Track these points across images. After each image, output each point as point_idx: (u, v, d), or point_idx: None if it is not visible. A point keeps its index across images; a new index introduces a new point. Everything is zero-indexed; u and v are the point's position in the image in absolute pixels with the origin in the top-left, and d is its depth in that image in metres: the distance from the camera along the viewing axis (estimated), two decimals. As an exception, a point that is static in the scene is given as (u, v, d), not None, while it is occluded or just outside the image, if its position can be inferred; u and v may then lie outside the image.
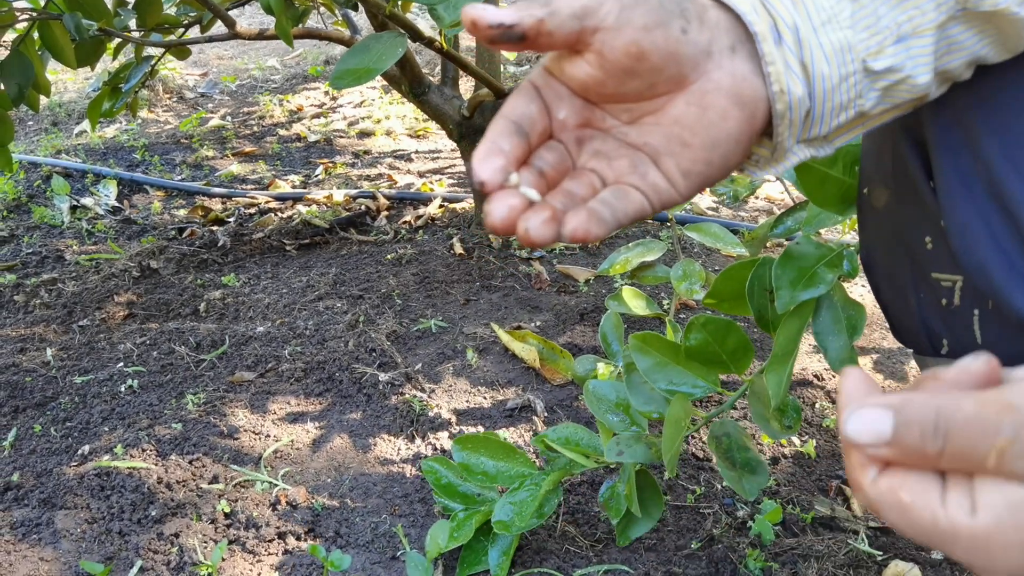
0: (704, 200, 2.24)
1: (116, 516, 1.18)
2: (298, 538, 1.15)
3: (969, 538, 0.35)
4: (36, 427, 1.40)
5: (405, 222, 2.18)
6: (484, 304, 1.75)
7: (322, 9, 2.12)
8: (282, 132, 3.01)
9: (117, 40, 1.86)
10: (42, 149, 2.85)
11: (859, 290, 1.74)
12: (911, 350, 0.64)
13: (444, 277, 1.85)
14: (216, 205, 2.38)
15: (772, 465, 1.25)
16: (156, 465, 1.28)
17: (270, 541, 1.14)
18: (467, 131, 1.97)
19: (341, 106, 3.25)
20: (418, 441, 1.34)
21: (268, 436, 1.36)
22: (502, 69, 2.79)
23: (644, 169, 0.44)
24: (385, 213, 2.25)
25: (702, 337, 0.72)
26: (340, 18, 2.22)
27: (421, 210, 2.25)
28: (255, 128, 3.06)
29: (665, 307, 1.66)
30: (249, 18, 4.64)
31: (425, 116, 2.93)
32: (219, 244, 2.10)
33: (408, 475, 1.27)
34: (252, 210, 2.33)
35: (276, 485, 1.25)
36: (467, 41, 3.32)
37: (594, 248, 1.99)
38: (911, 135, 0.56)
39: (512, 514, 0.95)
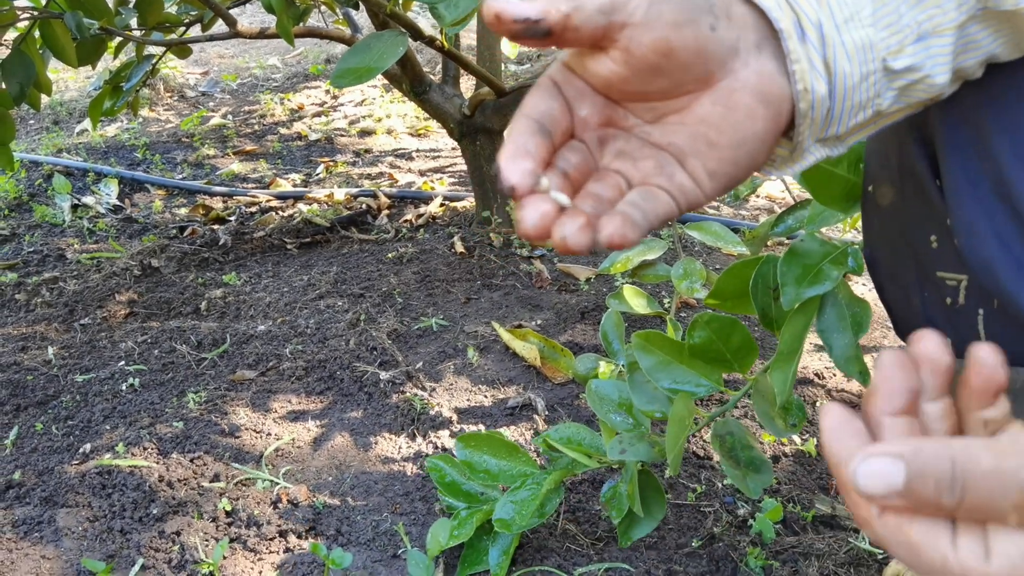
0: (705, 199, 2.24)
1: (117, 514, 1.19)
2: (299, 536, 1.15)
3: None
4: (38, 425, 1.40)
5: (406, 221, 2.18)
6: (485, 303, 1.75)
7: (323, 8, 2.12)
8: (283, 131, 3.01)
9: (118, 39, 1.86)
10: (43, 148, 2.85)
11: (860, 288, 1.74)
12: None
13: (445, 276, 1.86)
14: (217, 204, 2.38)
15: (773, 464, 1.25)
16: (157, 463, 1.28)
17: (271, 539, 1.14)
18: (468, 130, 1.97)
19: (342, 105, 3.25)
20: (419, 440, 1.34)
21: (269, 434, 1.36)
22: (503, 68, 2.79)
23: (671, 170, 0.43)
24: (386, 212, 2.25)
25: (706, 335, 0.72)
26: (341, 17, 2.22)
27: (422, 209, 2.25)
28: (256, 127, 3.06)
29: (666, 306, 1.66)
30: (250, 17, 4.64)
31: (426, 115, 2.93)
32: (220, 243, 2.10)
33: (409, 473, 1.27)
34: (253, 209, 2.33)
35: (277, 483, 1.25)
36: (468, 40, 3.32)
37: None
38: (917, 133, 0.56)
39: (513, 513, 0.95)
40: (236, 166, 2.66)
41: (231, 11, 1.77)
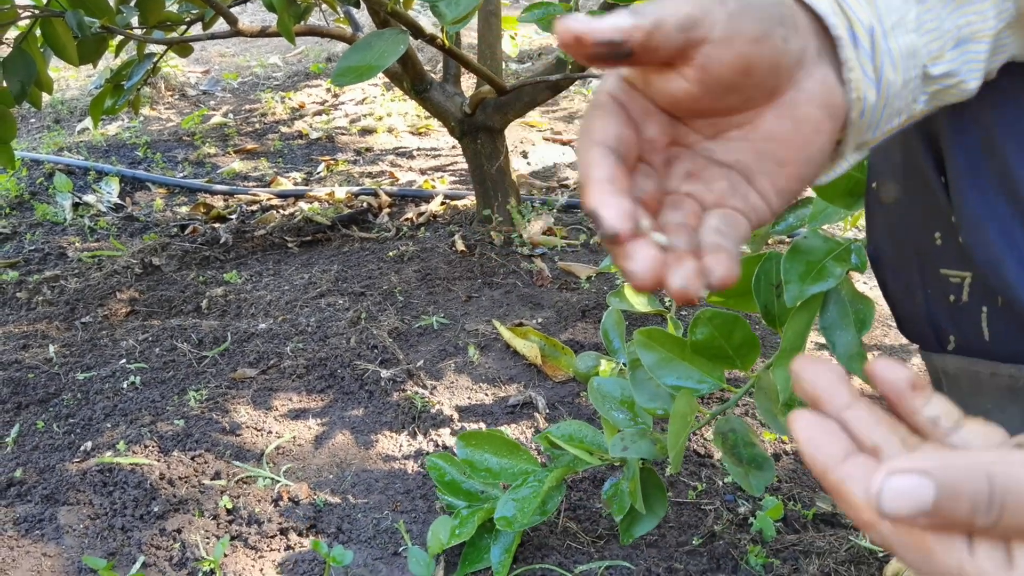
0: (706, 198, 2.24)
1: (119, 512, 1.19)
2: (300, 534, 1.15)
3: None
4: (39, 423, 1.40)
5: (407, 219, 2.18)
6: (486, 301, 1.75)
7: (324, 6, 2.12)
8: (284, 129, 3.01)
9: (119, 37, 1.86)
10: (44, 146, 2.85)
11: (862, 286, 1.74)
12: (916, 346, 0.64)
13: (446, 274, 1.86)
14: (218, 202, 2.38)
15: (774, 461, 1.25)
16: (158, 461, 1.28)
17: (272, 537, 1.14)
18: (469, 128, 1.97)
19: (343, 103, 3.25)
20: (420, 437, 1.34)
21: (270, 432, 1.36)
22: (504, 67, 2.79)
23: (744, 190, 0.41)
24: (387, 210, 2.25)
25: (708, 332, 0.72)
26: (342, 15, 2.22)
27: (423, 207, 2.25)
28: (257, 125, 3.06)
29: (667, 304, 1.66)
30: (251, 15, 4.64)
31: (427, 113, 2.93)
32: (221, 241, 2.10)
33: (410, 471, 1.27)
34: (254, 207, 2.33)
35: (278, 481, 1.25)
36: (469, 39, 3.32)
37: (595, 246, 1.99)
38: (923, 130, 0.55)
39: (515, 511, 0.95)
40: (237, 165, 2.66)
41: (232, 9, 1.77)
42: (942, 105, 0.46)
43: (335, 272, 1.89)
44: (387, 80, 3.38)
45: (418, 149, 2.79)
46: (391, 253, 1.97)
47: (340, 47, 3.80)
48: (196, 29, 1.96)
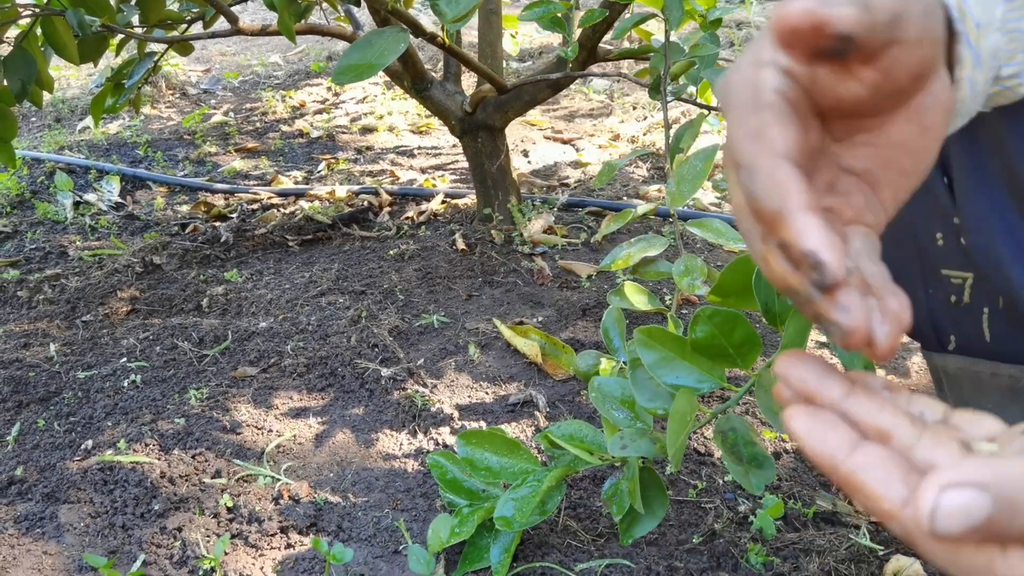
0: (707, 196, 2.24)
1: (119, 510, 1.19)
2: (300, 532, 1.15)
3: None
4: (40, 422, 1.40)
5: (407, 218, 2.18)
6: (486, 299, 1.75)
7: (325, 5, 2.12)
8: (284, 128, 3.01)
9: (120, 36, 1.86)
10: (45, 145, 2.85)
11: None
12: (917, 345, 0.64)
13: (446, 273, 1.86)
14: (219, 201, 2.38)
15: (774, 460, 1.25)
16: (159, 459, 1.28)
17: (272, 535, 1.15)
18: (469, 127, 1.97)
19: (343, 102, 3.25)
20: (420, 436, 1.34)
21: (271, 431, 1.36)
22: (505, 65, 2.79)
23: (874, 205, 0.37)
24: (387, 209, 2.25)
25: (708, 330, 0.72)
26: (342, 14, 2.22)
27: (423, 206, 2.25)
28: (258, 124, 3.06)
29: (667, 303, 1.66)
30: (252, 15, 4.63)
31: (428, 112, 2.93)
32: (222, 240, 2.11)
33: (410, 470, 1.27)
34: (255, 206, 2.33)
35: (279, 480, 1.25)
36: (469, 38, 3.32)
37: (596, 244, 1.99)
38: None
39: (514, 510, 0.95)
40: (238, 163, 2.66)
41: (233, 8, 1.77)
42: (992, 107, 0.45)
43: (336, 271, 1.89)
44: (388, 79, 3.38)
45: (419, 148, 2.79)
46: (392, 252, 1.97)
47: (341, 46, 3.80)
48: (197, 28, 1.96)
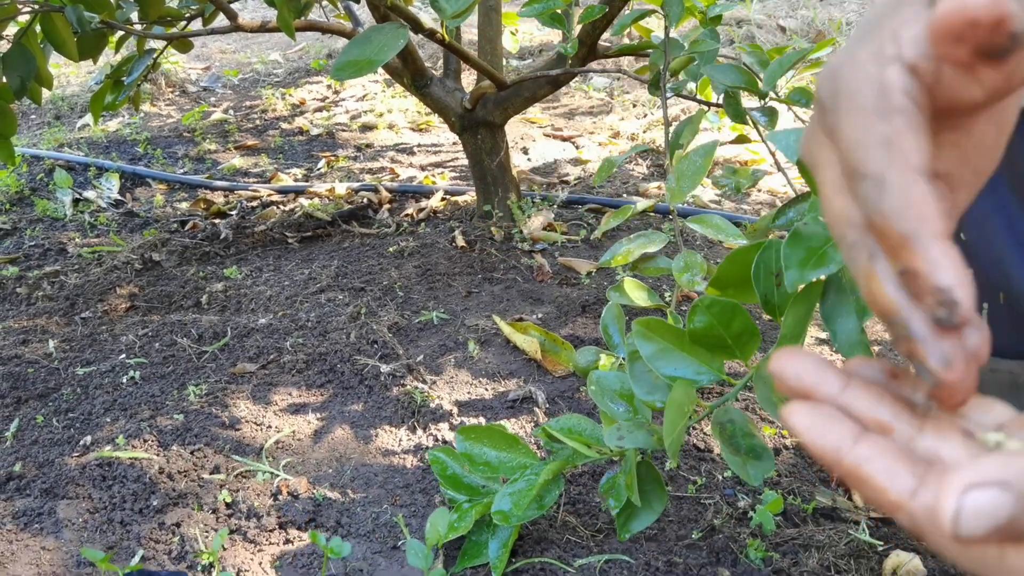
0: (707, 193, 2.24)
1: (118, 506, 1.19)
2: (299, 528, 1.15)
3: None
4: (38, 418, 1.40)
5: (407, 215, 2.18)
6: (486, 296, 1.75)
7: (324, 2, 2.12)
8: (284, 126, 3.01)
9: (120, 33, 1.86)
10: (45, 142, 2.85)
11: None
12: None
13: (446, 269, 1.85)
14: (218, 198, 2.37)
15: (773, 455, 1.25)
16: (158, 455, 1.28)
17: (271, 531, 1.14)
18: (469, 123, 1.97)
19: (343, 100, 3.25)
20: (419, 432, 1.34)
21: (270, 427, 1.36)
22: (505, 63, 2.79)
23: (953, 211, 0.35)
24: (387, 206, 2.25)
25: (707, 320, 0.72)
26: (342, 11, 2.21)
27: (423, 203, 2.25)
28: (257, 122, 3.06)
29: (667, 300, 1.66)
30: (252, 12, 4.63)
31: (427, 110, 2.92)
32: (221, 237, 2.10)
33: (409, 466, 1.27)
34: (254, 203, 2.33)
35: (277, 475, 1.25)
36: (469, 35, 3.32)
37: (596, 241, 1.99)
38: None
39: (511, 504, 0.95)
40: (237, 161, 2.65)
41: (232, 5, 1.77)
42: None
43: (335, 268, 1.89)
44: (388, 77, 3.37)
45: (419, 145, 2.78)
46: (391, 249, 1.97)
47: (341, 43, 3.80)
48: (196, 25, 1.96)
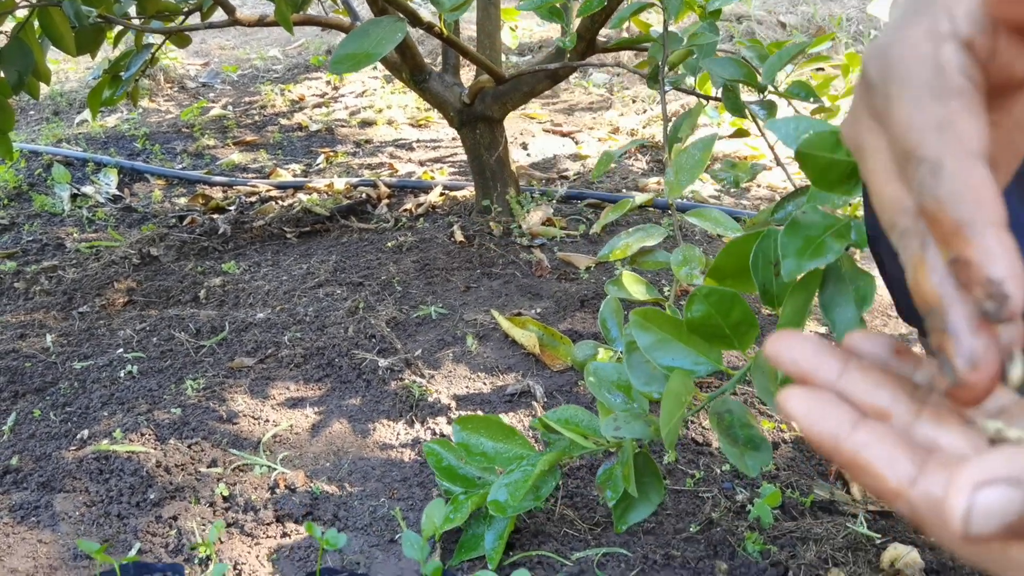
0: (706, 189, 2.23)
1: (115, 499, 1.18)
2: (296, 521, 1.15)
3: None
4: (35, 412, 1.40)
5: (406, 210, 2.18)
6: (484, 291, 1.75)
7: (323, -4, 2.12)
8: (283, 121, 3.00)
9: (118, 28, 1.86)
10: (43, 138, 2.84)
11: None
12: (914, 331, 0.64)
13: (444, 264, 1.85)
14: (217, 194, 2.37)
15: (772, 450, 1.24)
16: (155, 449, 1.28)
17: (268, 524, 1.14)
18: (468, 118, 1.97)
19: (343, 96, 3.24)
20: (417, 426, 1.33)
21: (267, 421, 1.36)
22: (504, 59, 2.78)
23: None
24: (386, 201, 2.25)
25: (705, 309, 0.71)
26: (340, 6, 2.21)
27: (422, 198, 2.24)
28: (256, 117, 3.06)
29: (666, 294, 1.66)
30: (250, 7, 4.63)
31: (427, 105, 2.92)
32: (219, 232, 2.10)
33: (407, 459, 1.26)
34: (253, 198, 2.32)
35: (275, 469, 1.25)
36: (468, 31, 3.31)
37: (595, 236, 1.98)
38: None
39: (507, 495, 0.95)
40: (236, 156, 2.65)
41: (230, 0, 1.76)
42: None
43: (333, 262, 1.89)
44: (387, 73, 3.37)
45: (418, 141, 2.78)
46: (390, 244, 1.97)
47: (340, 39, 3.80)
48: (194, 19, 1.95)
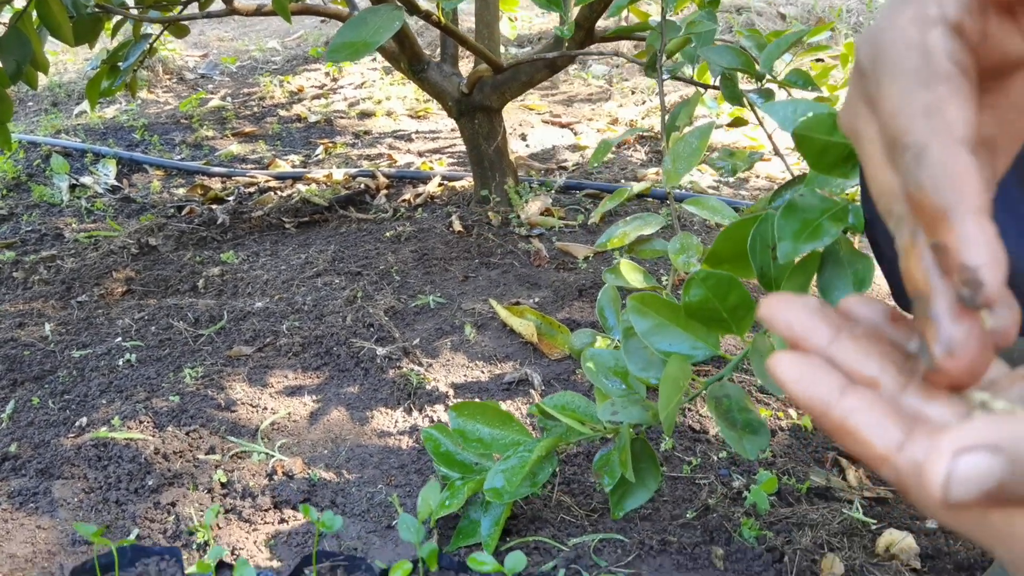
0: (705, 179, 2.23)
1: (113, 486, 1.19)
2: (294, 508, 1.15)
3: None
4: (34, 399, 1.40)
5: (404, 200, 2.18)
6: (483, 281, 1.75)
7: (321, -14, 2.11)
8: (282, 113, 3.00)
9: (116, 18, 1.85)
10: (42, 129, 2.84)
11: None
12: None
13: (443, 254, 1.85)
14: (216, 184, 2.37)
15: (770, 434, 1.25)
16: (153, 436, 1.28)
17: (266, 510, 1.14)
18: (466, 108, 1.97)
19: (342, 87, 3.24)
20: (415, 414, 1.34)
21: (265, 409, 1.36)
22: (504, 51, 2.78)
23: (993, 179, 0.34)
24: (384, 191, 2.25)
25: (702, 293, 0.72)
26: (339, -4, 2.21)
27: (420, 188, 2.24)
28: (255, 109, 3.05)
29: (663, 283, 1.66)
30: None
31: (426, 97, 2.92)
32: (218, 222, 2.10)
33: (405, 447, 1.27)
34: (252, 189, 2.32)
35: (273, 456, 1.25)
36: (468, 23, 3.31)
37: (593, 226, 1.98)
38: None
39: (504, 481, 0.95)
40: (235, 147, 2.65)
41: (228, -13, 1.76)
42: None
43: (332, 252, 1.89)
44: (386, 64, 3.37)
45: (416, 132, 2.78)
46: (388, 234, 1.97)
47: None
48: (192, 9, 1.95)
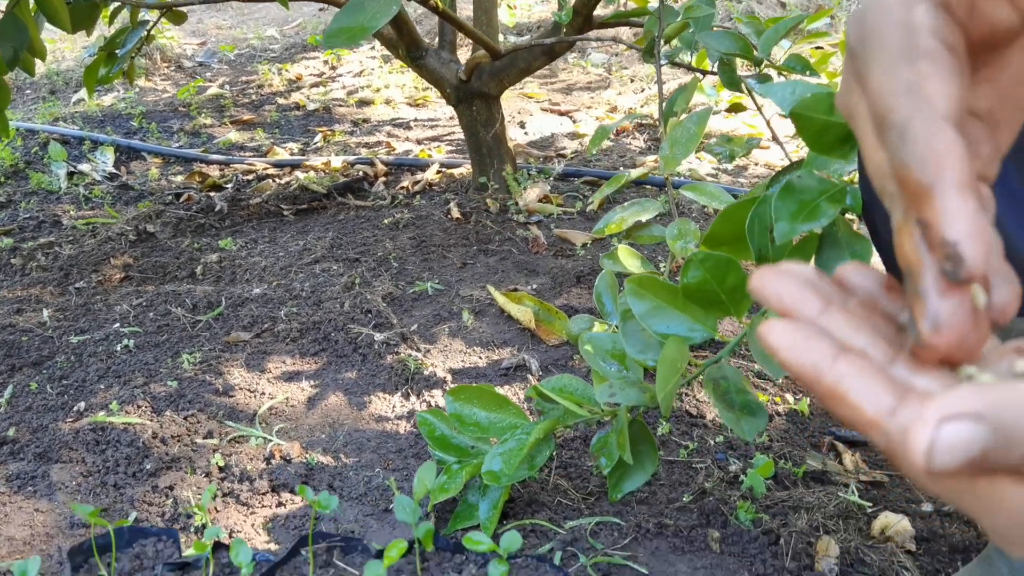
0: (703, 167, 2.23)
1: (111, 469, 1.19)
2: (291, 491, 1.15)
3: None
4: (32, 384, 1.40)
5: (403, 187, 2.18)
6: (481, 267, 1.75)
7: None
8: (281, 101, 2.99)
9: (114, 5, 1.85)
10: (40, 117, 2.84)
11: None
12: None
13: (441, 241, 1.85)
14: (214, 171, 2.37)
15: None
16: (151, 421, 1.28)
17: (264, 494, 1.15)
18: (464, 95, 1.96)
19: (340, 75, 3.23)
20: (413, 399, 1.34)
21: (263, 394, 1.36)
22: (503, 39, 2.77)
23: (995, 153, 0.33)
24: (383, 179, 2.25)
25: (700, 275, 0.72)
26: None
27: (419, 176, 2.24)
28: (253, 97, 3.05)
29: (661, 269, 1.66)
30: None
31: (424, 85, 2.91)
32: (216, 209, 2.10)
33: (402, 431, 1.27)
34: (250, 176, 2.32)
35: (270, 440, 1.25)
36: (467, 12, 3.30)
37: (591, 213, 1.98)
38: None
39: (501, 464, 0.95)
40: (233, 135, 2.64)
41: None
42: None
43: (330, 239, 1.89)
44: (385, 52, 3.36)
45: (415, 120, 2.77)
46: (386, 221, 1.97)
47: (337, 20, 3.78)
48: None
